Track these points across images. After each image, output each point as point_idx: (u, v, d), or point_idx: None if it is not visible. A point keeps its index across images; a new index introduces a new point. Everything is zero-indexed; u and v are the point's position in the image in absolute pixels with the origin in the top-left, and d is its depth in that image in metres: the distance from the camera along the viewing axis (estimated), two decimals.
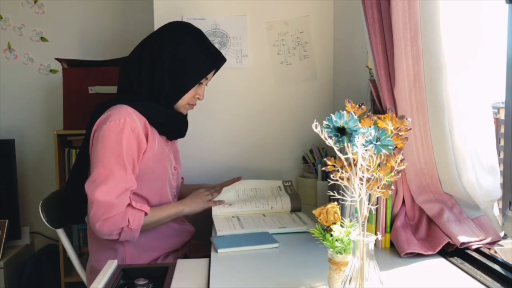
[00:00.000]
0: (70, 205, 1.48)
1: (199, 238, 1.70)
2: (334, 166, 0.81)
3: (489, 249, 1.14)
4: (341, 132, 0.75)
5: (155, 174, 1.43)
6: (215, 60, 1.49)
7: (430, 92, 1.16)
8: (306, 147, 1.92)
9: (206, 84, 1.52)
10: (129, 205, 1.30)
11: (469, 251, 1.12)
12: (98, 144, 1.32)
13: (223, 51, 1.88)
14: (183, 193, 1.65)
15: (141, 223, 1.31)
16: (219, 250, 1.23)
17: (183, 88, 1.44)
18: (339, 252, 0.90)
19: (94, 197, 1.27)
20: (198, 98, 1.51)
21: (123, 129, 1.31)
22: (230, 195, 1.62)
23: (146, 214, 1.33)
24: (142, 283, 1.10)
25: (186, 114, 1.58)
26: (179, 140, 1.64)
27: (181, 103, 1.47)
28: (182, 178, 1.79)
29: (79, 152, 1.47)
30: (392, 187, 0.79)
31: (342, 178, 0.80)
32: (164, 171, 1.48)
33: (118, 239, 1.32)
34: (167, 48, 1.40)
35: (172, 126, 1.51)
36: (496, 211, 1.22)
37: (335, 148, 0.78)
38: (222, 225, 1.44)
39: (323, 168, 0.83)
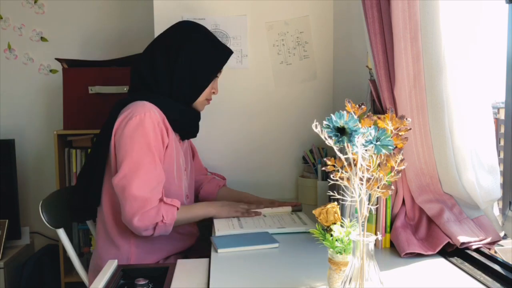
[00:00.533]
0: (78, 204, 1.48)
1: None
2: (334, 166, 0.81)
3: (489, 249, 1.14)
4: (341, 132, 0.75)
5: (174, 172, 1.45)
6: (226, 53, 1.54)
7: (430, 92, 1.16)
8: (306, 147, 1.92)
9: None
10: (161, 200, 1.31)
11: (469, 251, 1.12)
12: (124, 140, 1.33)
13: None
14: (224, 196, 1.68)
15: (174, 217, 1.33)
16: (219, 250, 1.23)
17: (203, 84, 1.49)
18: (339, 252, 0.90)
19: (129, 192, 1.28)
20: (214, 93, 1.55)
21: (148, 123, 1.33)
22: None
23: (177, 209, 1.35)
24: (142, 283, 1.11)
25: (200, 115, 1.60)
26: None
27: (200, 100, 1.52)
28: (224, 178, 1.81)
29: (92, 151, 1.48)
30: (392, 187, 0.79)
31: (342, 178, 0.80)
32: (177, 170, 1.48)
33: (153, 234, 1.34)
34: (186, 47, 1.44)
35: (190, 124, 1.55)
36: (496, 211, 1.22)
37: (335, 148, 0.78)
38: (222, 225, 1.44)
39: (323, 168, 0.83)
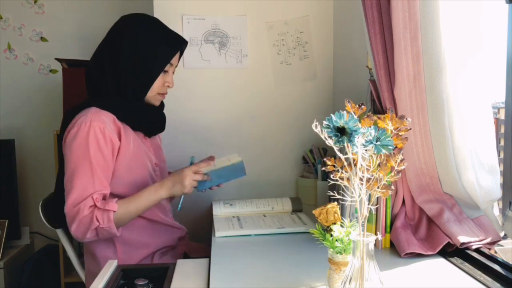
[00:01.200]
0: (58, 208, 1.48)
1: (198, 239, 1.70)
2: (334, 166, 0.81)
3: (489, 249, 1.14)
4: (341, 132, 0.75)
5: (134, 172, 1.41)
6: (175, 43, 1.45)
7: (430, 92, 1.16)
8: (306, 147, 1.92)
9: (173, 71, 1.49)
10: (95, 206, 1.29)
11: (469, 251, 1.12)
12: (64, 150, 1.33)
13: (223, 51, 1.88)
14: None
15: (111, 220, 1.29)
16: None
17: (150, 79, 1.42)
18: (339, 252, 0.90)
19: (66, 203, 1.29)
20: (168, 86, 1.47)
21: (88, 133, 1.30)
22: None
23: (114, 211, 1.30)
24: (142, 283, 1.10)
25: (162, 108, 1.55)
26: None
27: (151, 94, 1.44)
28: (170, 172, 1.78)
29: (59, 156, 1.46)
30: (392, 187, 0.79)
31: (342, 178, 0.80)
32: (143, 169, 1.45)
33: (100, 239, 1.32)
34: (125, 40, 1.38)
35: (147, 120, 1.48)
36: (496, 211, 1.22)
37: (335, 148, 0.78)
38: (221, 224, 1.45)
39: (323, 168, 0.83)
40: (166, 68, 1.43)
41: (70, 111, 1.40)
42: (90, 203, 1.28)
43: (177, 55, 1.47)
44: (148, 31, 1.41)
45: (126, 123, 1.41)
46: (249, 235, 1.39)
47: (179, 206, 1.46)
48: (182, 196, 1.45)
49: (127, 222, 1.35)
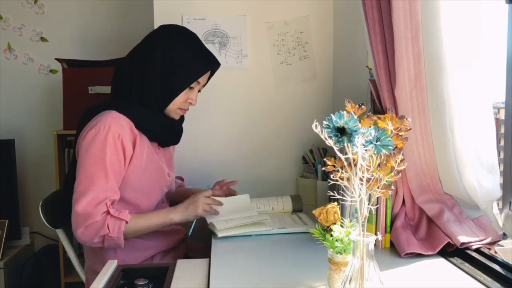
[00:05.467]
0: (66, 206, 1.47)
1: (197, 240, 1.70)
2: (334, 166, 0.81)
3: (489, 249, 1.14)
4: (341, 132, 0.75)
5: (144, 181, 1.40)
6: (207, 63, 1.45)
7: (431, 92, 1.16)
8: (306, 147, 1.92)
9: (200, 90, 1.49)
10: (108, 213, 1.27)
11: (469, 251, 1.12)
12: (81, 151, 1.31)
13: (223, 51, 1.88)
14: (177, 199, 1.58)
15: (121, 231, 1.28)
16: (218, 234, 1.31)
17: (173, 92, 1.41)
18: (339, 252, 0.90)
19: (75, 207, 1.26)
20: (191, 103, 1.46)
21: (106, 137, 1.29)
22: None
23: (126, 222, 1.29)
24: (142, 283, 1.10)
25: (181, 121, 1.55)
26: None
27: (172, 107, 1.43)
28: (182, 179, 1.78)
29: (73, 155, 1.45)
30: (392, 187, 0.79)
31: (342, 178, 0.80)
32: (154, 179, 1.44)
33: (103, 247, 1.30)
34: (157, 51, 1.37)
35: (163, 132, 1.46)
36: (496, 211, 1.22)
37: (335, 148, 0.78)
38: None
39: (323, 168, 0.83)
40: (192, 85, 1.43)
41: (89, 111, 1.39)
42: (104, 209, 1.27)
43: (207, 75, 1.47)
44: (181, 45, 1.40)
45: (143, 132, 1.41)
46: (250, 235, 1.39)
47: (191, 231, 1.45)
48: (195, 222, 1.45)
49: (133, 236, 1.34)
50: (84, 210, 1.25)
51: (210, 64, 1.46)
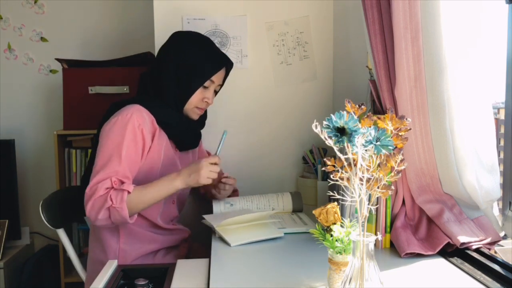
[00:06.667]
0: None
1: (199, 240, 1.70)
2: (334, 166, 0.81)
3: (489, 249, 1.14)
4: (341, 132, 0.75)
5: (158, 176, 1.42)
6: (217, 62, 1.51)
7: (431, 92, 1.16)
8: (306, 147, 1.92)
9: (217, 90, 1.56)
10: (112, 188, 1.30)
11: (469, 251, 1.12)
12: (103, 136, 1.37)
13: (223, 51, 1.88)
14: None
15: (123, 200, 1.27)
16: (232, 244, 1.29)
17: (189, 91, 1.48)
18: (339, 252, 0.90)
19: (90, 184, 1.31)
20: (207, 102, 1.52)
21: (127, 125, 1.35)
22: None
23: (129, 192, 1.30)
24: (142, 283, 1.11)
25: (201, 126, 1.62)
26: None
27: (189, 107, 1.50)
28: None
29: (92, 149, 1.49)
30: (392, 187, 0.79)
31: (342, 178, 0.80)
32: (163, 174, 1.45)
33: (112, 223, 1.31)
34: (171, 56, 1.47)
35: (182, 129, 1.52)
36: (496, 211, 1.22)
37: (335, 148, 0.78)
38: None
39: (323, 168, 0.83)
40: (206, 84, 1.50)
41: (114, 104, 1.47)
42: (108, 184, 1.30)
43: (221, 74, 1.53)
44: (193, 46, 1.50)
45: (163, 128, 1.46)
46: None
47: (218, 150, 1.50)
48: (222, 142, 1.51)
49: (140, 209, 1.35)
50: (91, 188, 1.30)
51: (221, 63, 1.52)
